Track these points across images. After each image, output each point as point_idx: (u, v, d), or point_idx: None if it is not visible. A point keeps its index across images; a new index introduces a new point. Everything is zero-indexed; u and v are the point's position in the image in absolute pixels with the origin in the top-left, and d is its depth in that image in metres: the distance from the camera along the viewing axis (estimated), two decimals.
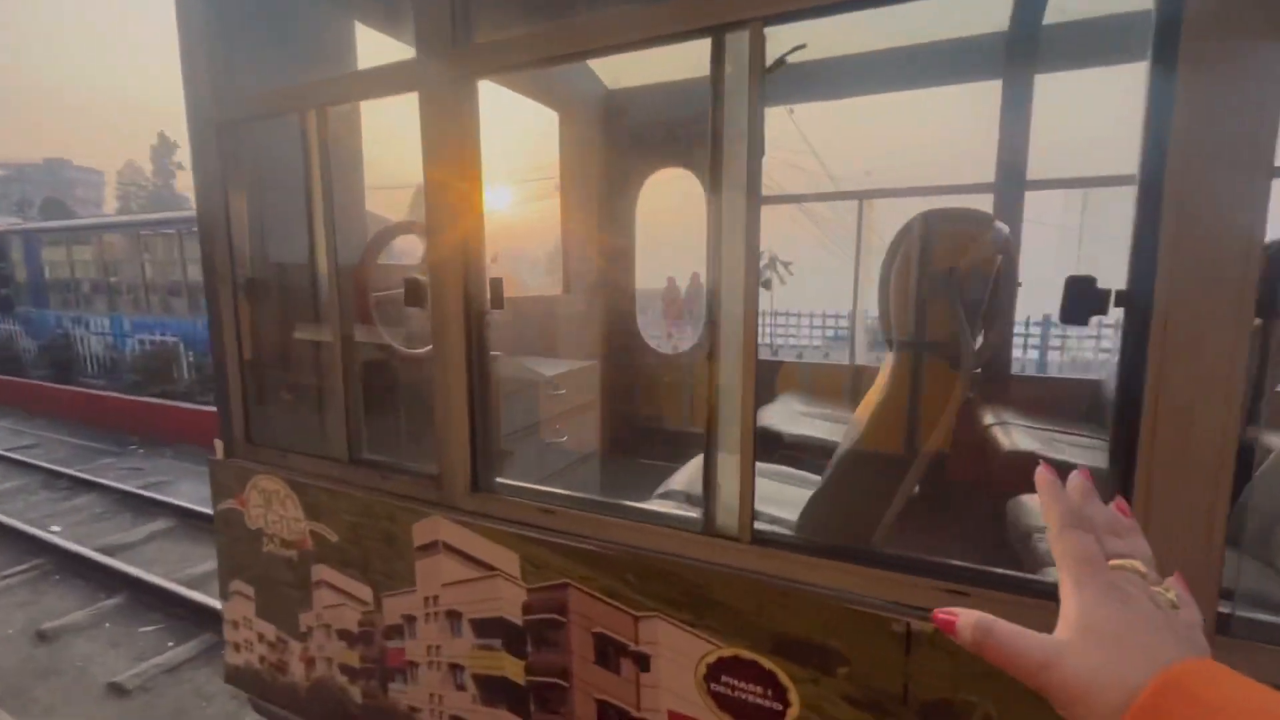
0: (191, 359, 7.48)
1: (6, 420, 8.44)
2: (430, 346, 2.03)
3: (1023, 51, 2.63)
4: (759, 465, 2.38)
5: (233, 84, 1.59)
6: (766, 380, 3.25)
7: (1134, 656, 0.32)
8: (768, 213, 1.04)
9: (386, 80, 1.29)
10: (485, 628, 1.34)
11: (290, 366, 1.78)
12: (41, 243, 11.80)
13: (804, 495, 1.82)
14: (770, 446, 2.62)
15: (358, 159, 2.05)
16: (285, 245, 1.75)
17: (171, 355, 7.59)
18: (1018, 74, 2.64)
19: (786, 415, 2.85)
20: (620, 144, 3.43)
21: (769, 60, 1.01)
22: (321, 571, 1.59)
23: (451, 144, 1.22)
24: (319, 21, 1.99)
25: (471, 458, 1.31)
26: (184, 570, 4.08)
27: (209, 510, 5.02)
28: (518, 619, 1.29)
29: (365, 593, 1.52)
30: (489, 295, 1.27)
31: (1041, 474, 0.42)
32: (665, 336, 12.48)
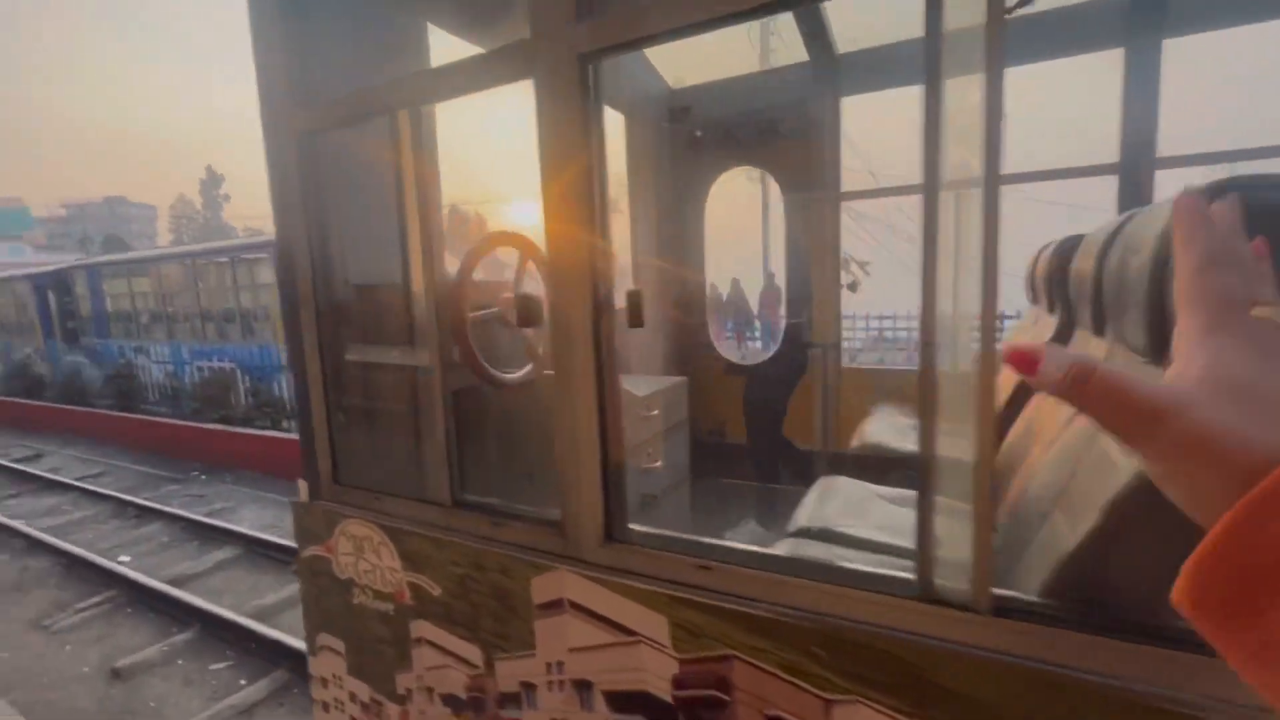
0: (248, 384, 7.57)
1: (76, 449, 8.69)
2: (525, 370, 1.87)
3: (1149, 13, 2.35)
4: (875, 488, 2.11)
5: (309, 92, 1.46)
6: (863, 390, 3.00)
7: None
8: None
9: (494, 67, 1.12)
10: (624, 702, 1.14)
11: (379, 398, 1.62)
12: (103, 276, 12.26)
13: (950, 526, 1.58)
14: (880, 465, 2.38)
15: (435, 170, 1.90)
16: (366, 264, 1.60)
17: (229, 381, 7.69)
18: (1143, 40, 2.36)
19: (892, 430, 2.60)
20: (686, 145, 3.25)
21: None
22: (422, 628, 1.42)
23: (574, 134, 1.04)
24: (391, 24, 1.86)
25: (604, 501, 1.12)
26: (252, 601, 4.02)
27: (273, 538, 5.00)
28: (666, 694, 1.09)
29: (474, 654, 1.34)
30: (621, 311, 1.07)
31: (1187, 200, 0.35)
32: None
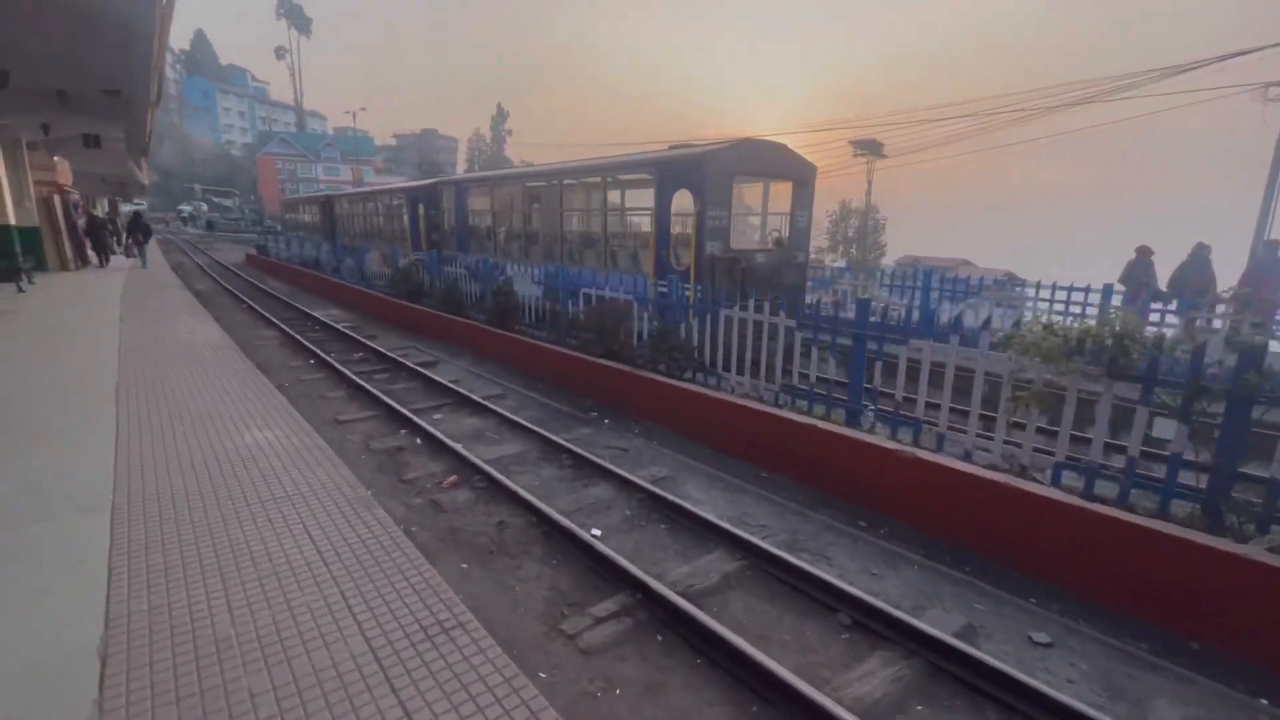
0: (651, 324, 6.69)
1: (463, 360, 8.85)
2: None
3: None
4: None
5: None
6: None
7: None
8: None
9: None
10: None
11: None
12: (469, 192, 12.80)
13: None
14: None
15: None
16: None
17: (623, 315, 6.93)
18: None
19: None
20: None
21: None
22: None
23: None
24: None
25: None
26: (834, 674, 2.67)
27: (784, 555, 2.95)
28: None
29: None
30: None
31: None
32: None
